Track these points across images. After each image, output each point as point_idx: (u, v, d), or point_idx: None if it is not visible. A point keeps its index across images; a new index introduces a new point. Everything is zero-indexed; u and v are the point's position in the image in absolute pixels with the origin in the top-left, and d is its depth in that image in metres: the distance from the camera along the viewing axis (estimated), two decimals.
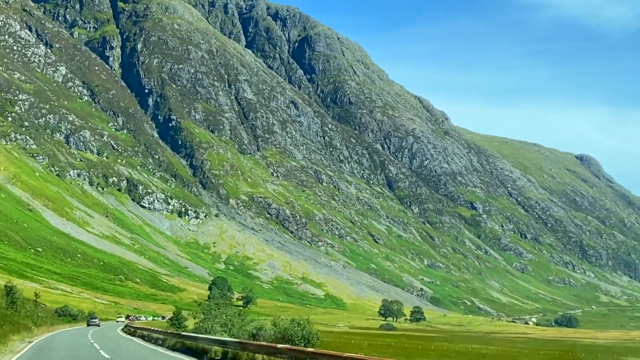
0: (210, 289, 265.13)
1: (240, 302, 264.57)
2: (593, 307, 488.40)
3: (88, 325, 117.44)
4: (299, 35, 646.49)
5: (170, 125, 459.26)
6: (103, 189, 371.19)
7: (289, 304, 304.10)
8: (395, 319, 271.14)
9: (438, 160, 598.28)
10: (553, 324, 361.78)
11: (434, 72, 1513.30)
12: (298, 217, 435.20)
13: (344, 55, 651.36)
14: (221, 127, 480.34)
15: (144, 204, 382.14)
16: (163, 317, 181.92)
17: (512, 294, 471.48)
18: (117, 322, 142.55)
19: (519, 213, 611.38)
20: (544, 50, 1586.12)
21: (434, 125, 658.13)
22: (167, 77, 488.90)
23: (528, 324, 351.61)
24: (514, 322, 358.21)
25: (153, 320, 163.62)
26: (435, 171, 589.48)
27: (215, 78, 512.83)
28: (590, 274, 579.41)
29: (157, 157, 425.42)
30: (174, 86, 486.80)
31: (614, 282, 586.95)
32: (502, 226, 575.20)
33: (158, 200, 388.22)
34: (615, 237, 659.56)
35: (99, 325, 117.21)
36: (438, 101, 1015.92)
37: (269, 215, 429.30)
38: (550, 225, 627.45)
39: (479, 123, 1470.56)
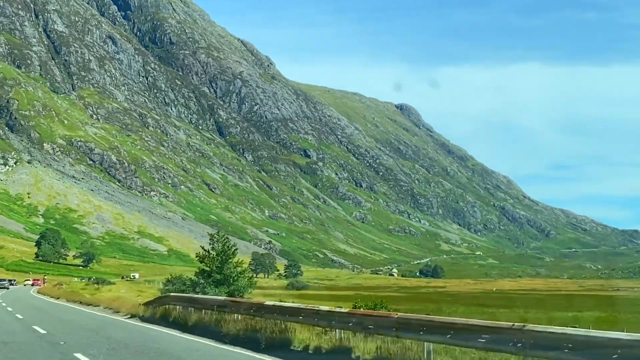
0: (38, 245, 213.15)
1: (79, 261, 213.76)
2: (457, 256, 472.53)
3: None
4: None
5: None
6: None
7: (131, 261, 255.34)
8: (267, 275, 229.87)
9: (268, 106, 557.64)
10: (418, 274, 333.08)
11: (246, 26, 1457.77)
12: (126, 163, 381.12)
13: None
14: (29, 62, 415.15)
15: None
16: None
17: (358, 244, 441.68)
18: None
19: (352, 161, 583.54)
20: (346, 8, 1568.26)
21: (261, 69, 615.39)
22: None
23: (392, 275, 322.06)
24: (377, 273, 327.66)
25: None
26: (266, 117, 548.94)
27: (20, 6, 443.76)
28: (425, 222, 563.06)
29: None
30: None
31: (446, 230, 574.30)
32: (337, 174, 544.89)
33: None
34: (442, 185, 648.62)
35: (7, 288, 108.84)
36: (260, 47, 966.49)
37: (91, 162, 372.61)
38: (381, 173, 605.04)
39: (296, 72, 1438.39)
